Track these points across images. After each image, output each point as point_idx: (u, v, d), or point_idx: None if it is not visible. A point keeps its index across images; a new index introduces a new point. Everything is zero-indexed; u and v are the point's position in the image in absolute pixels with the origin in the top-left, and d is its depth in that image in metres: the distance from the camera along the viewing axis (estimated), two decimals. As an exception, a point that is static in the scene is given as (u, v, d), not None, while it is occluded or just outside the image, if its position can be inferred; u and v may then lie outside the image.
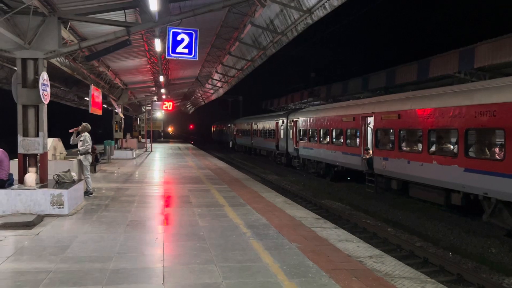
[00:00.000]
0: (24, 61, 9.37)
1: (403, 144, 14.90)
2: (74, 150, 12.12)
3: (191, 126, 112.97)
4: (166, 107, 34.32)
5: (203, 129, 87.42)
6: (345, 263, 6.25)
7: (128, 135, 34.77)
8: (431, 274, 8.11)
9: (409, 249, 10.24)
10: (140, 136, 41.01)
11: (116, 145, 27.30)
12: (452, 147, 12.78)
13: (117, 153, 25.97)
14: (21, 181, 9.29)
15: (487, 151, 11.53)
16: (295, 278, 5.58)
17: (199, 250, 6.74)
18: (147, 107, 38.10)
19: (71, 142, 12.23)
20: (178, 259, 6.37)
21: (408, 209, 14.33)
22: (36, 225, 8.17)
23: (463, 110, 11.78)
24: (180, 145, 48.89)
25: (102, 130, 66.92)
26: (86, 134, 11.97)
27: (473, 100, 11.53)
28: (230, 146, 49.82)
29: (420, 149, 13.79)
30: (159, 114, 44.89)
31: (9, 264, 5.98)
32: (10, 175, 9.56)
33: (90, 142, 11.96)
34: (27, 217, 8.42)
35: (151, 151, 33.86)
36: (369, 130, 17.44)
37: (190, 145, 48.90)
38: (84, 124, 12.06)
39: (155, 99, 35.51)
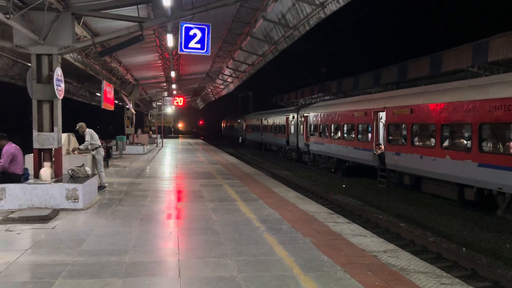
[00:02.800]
0: (38, 56, 9.47)
1: (416, 139, 14.81)
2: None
3: (201, 122, 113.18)
4: (177, 102, 34.43)
5: (213, 124, 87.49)
6: (360, 258, 6.24)
7: (139, 131, 34.96)
8: (445, 269, 8.02)
9: (422, 244, 10.20)
10: (151, 132, 41.23)
11: (127, 141, 27.50)
12: (465, 141, 12.68)
13: (129, 149, 26.16)
14: (37, 175, 9.42)
15: (501, 145, 11.41)
16: (311, 272, 5.59)
17: (214, 244, 6.78)
18: (158, 103, 38.28)
19: (81, 147, 12.01)
20: (193, 253, 6.41)
21: (421, 205, 14.24)
22: (51, 219, 8.28)
23: (477, 104, 11.66)
24: (190, 140, 49.03)
25: (113, 126, 67.45)
26: (89, 130, 11.84)
27: (488, 94, 11.41)
28: (240, 141, 49.84)
29: (433, 144, 13.70)
30: (170, 110, 45.06)
31: (28, 257, 6.08)
32: (26, 169, 9.67)
33: (95, 136, 11.91)
34: (42, 211, 8.53)
35: (162, 146, 33.99)
36: (381, 125, 17.36)
37: (200, 141, 49.03)
38: (78, 125, 11.86)
39: (166, 95, 35.66)
